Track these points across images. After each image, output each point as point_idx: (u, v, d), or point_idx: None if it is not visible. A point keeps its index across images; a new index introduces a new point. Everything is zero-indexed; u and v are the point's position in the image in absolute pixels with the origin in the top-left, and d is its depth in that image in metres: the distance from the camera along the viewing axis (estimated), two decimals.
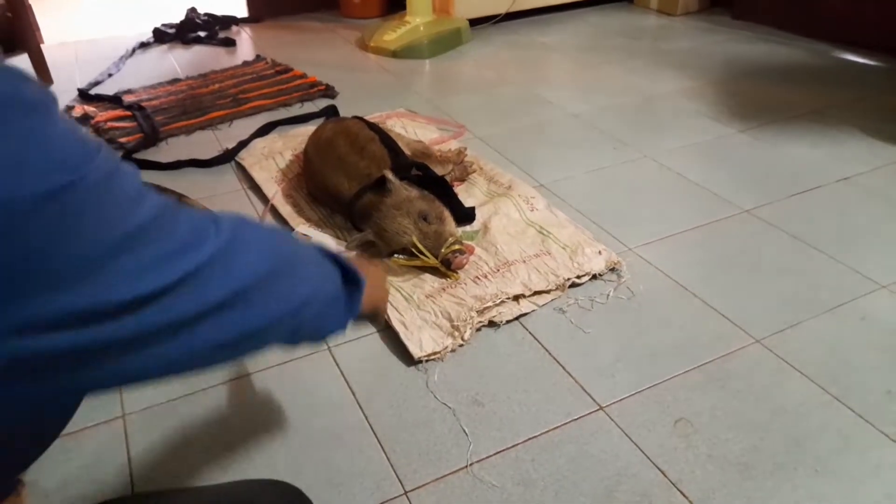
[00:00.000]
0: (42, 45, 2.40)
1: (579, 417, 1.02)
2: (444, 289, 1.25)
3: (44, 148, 0.36)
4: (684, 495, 0.90)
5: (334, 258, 0.66)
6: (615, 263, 1.32)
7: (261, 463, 0.95)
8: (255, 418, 1.03)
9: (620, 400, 1.04)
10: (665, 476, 0.92)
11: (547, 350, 1.14)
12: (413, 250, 1.27)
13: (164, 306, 0.42)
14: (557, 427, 1.00)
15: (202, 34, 2.84)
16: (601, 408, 1.03)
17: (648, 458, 0.95)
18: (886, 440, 0.97)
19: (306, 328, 0.59)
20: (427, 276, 1.29)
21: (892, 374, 1.08)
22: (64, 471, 0.95)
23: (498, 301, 1.21)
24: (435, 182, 1.44)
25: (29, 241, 0.35)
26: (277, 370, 1.12)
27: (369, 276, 0.71)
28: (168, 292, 0.41)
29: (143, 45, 2.75)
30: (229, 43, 2.76)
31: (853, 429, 0.99)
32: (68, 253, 0.37)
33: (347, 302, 0.65)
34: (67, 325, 0.38)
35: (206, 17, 2.99)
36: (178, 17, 2.97)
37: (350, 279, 0.66)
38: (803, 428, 0.99)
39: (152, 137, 1.89)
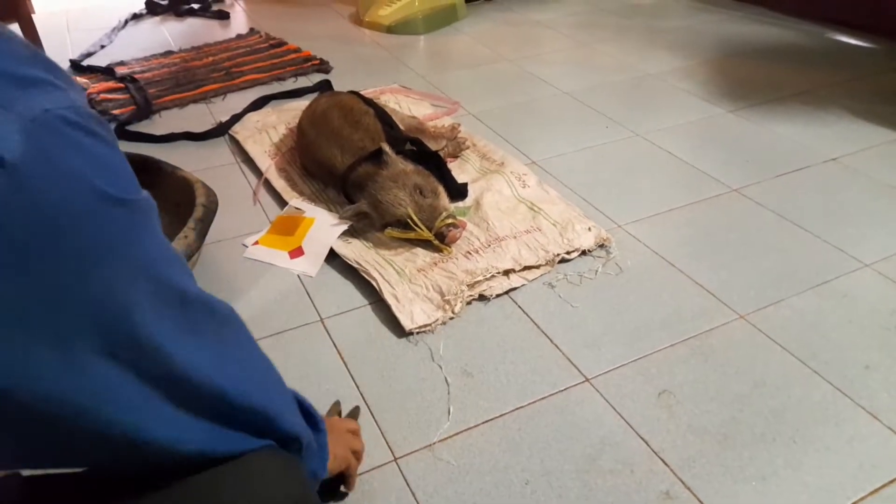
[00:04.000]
0: (33, 15, 2.37)
1: (565, 388, 1.04)
2: (435, 263, 1.27)
3: (121, 164, 0.44)
4: (665, 463, 0.93)
5: (301, 403, 0.70)
6: (604, 240, 1.34)
7: None
8: None
9: (606, 372, 1.07)
10: (647, 445, 0.95)
11: (535, 323, 1.16)
12: (408, 222, 1.29)
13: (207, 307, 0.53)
14: (544, 398, 1.03)
15: (195, 6, 2.82)
16: (587, 379, 1.06)
17: (632, 427, 0.98)
18: (863, 412, 1.00)
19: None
20: (419, 251, 1.31)
21: (872, 349, 1.11)
22: None
23: (488, 275, 1.23)
24: (429, 157, 1.45)
25: (114, 228, 0.43)
26: (271, 340, 1.14)
27: (332, 430, 0.77)
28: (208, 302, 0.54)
29: (136, 17, 2.72)
30: (223, 16, 2.74)
31: (831, 402, 1.02)
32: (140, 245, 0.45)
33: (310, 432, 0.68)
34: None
35: None
36: None
37: (311, 423, 0.69)
38: (782, 400, 1.02)
39: (145, 110, 1.89)
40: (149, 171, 1.44)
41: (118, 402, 0.45)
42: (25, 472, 0.59)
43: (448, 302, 1.18)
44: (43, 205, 0.39)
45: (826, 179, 1.58)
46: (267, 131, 1.76)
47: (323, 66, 2.20)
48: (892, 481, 0.91)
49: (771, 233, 1.39)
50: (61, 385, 0.42)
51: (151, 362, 0.46)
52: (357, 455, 0.85)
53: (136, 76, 2.09)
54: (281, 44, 2.39)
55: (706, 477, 0.91)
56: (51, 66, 0.43)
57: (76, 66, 2.19)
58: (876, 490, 0.89)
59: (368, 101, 1.57)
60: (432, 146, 1.53)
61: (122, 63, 2.23)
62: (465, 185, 1.49)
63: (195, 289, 0.51)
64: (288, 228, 1.39)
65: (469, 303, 1.20)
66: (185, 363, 0.48)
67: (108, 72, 2.13)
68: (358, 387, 1.05)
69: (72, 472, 0.59)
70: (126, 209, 0.44)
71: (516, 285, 1.24)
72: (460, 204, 1.46)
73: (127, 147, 1.72)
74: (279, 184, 1.55)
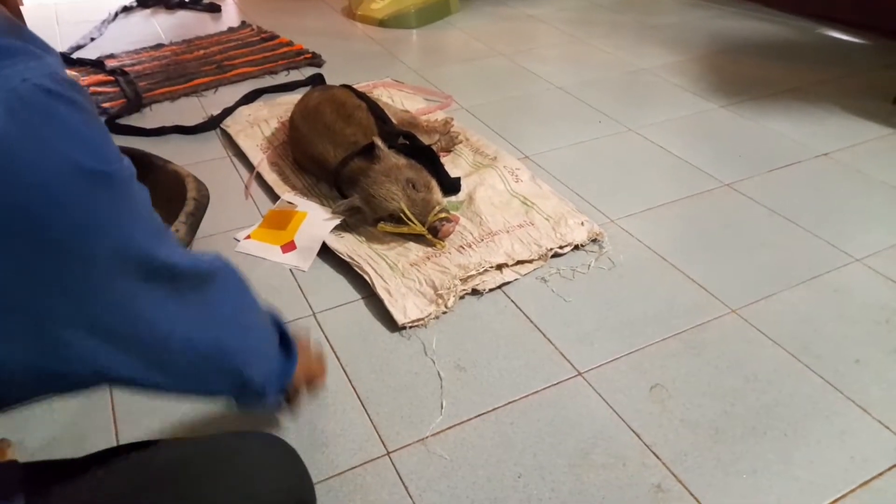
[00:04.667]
0: (22, 7, 2.35)
1: (558, 383, 1.04)
2: (428, 257, 1.27)
3: (99, 132, 0.44)
4: (657, 457, 0.93)
5: (278, 323, 0.71)
6: (597, 234, 1.34)
7: (246, 423, 0.97)
8: None
9: (599, 366, 1.07)
10: (640, 439, 0.96)
11: (528, 318, 1.16)
12: (401, 216, 1.28)
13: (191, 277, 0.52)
14: (537, 392, 1.03)
15: None
16: (580, 374, 1.06)
17: (624, 421, 0.98)
18: (853, 406, 1.01)
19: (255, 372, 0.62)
20: (412, 245, 1.30)
21: (862, 344, 1.12)
22: (49, 430, 0.96)
23: (481, 270, 1.23)
24: (422, 151, 1.44)
25: (94, 209, 0.43)
26: None
27: (303, 351, 0.78)
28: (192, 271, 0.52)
29: (126, 10, 2.70)
30: (214, 8, 2.72)
31: (822, 395, 1.02)
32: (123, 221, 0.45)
33: (283, 363, 0.70)
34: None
35: None
36: None
37: (285, 344, 0.71)
38: (774, 394, 1.02)
39: (136, 103, 1.87)
40: (139, 165, 1.42)
41: (94, 363, 0.47)
42: (23, 460, 0.59)
43: (441, 296, 1.17)
44: (22, 186, 0.39)
45: (818, 175, 1.58)
46: (259, 125, 1.75)
47: (315, 60, 2.19)
48: (881, 474, 0.91)
49: (763, 228, 1.40)
50: (37, 361, 0.44)
51: (131, 329, 0.47)
52: (312, 381, 0.84)
53: (127, 69, 2.07)
54: (273, 37, 2.37)
55: (698, 470, 0.91)
56: (24, 33, 0.43)
57: (66, 59, 2.17)
58: (866, 482, 0.90)
59: (361, 96, 1.56)
60: (425, 140, 1.52)
61: (112, 56, 2.21)
62: (458, 179, 1.49)
63: (180, 257, 0.50)
64: (280, 223, 1.38)
65: (462, 297, 1.20)
66: (167, 331, 0.50)
67: (97, 65, 2.12)
68: (350, 381, 1.05)
69: (70, 459, 0.59)
70: (105, 183, 0.43)
71: (509, 280, 1.24)
72: (453, 198, 1.45)
73: (117, 141, 1.69)
74: (271, 178, 1.54)
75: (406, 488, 0.89)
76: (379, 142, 1.37)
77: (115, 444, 0.94)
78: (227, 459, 0.57)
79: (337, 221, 1.35)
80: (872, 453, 0.94)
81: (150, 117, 1.85)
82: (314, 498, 0.64)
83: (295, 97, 1.73)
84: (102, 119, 1.78)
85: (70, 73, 1.97)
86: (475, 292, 1.21)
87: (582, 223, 1.35)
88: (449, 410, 1.00)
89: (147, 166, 1.42)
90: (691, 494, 0.88)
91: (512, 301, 1.20)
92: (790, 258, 1.31)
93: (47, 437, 0.95)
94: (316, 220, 1.36)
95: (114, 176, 0.44)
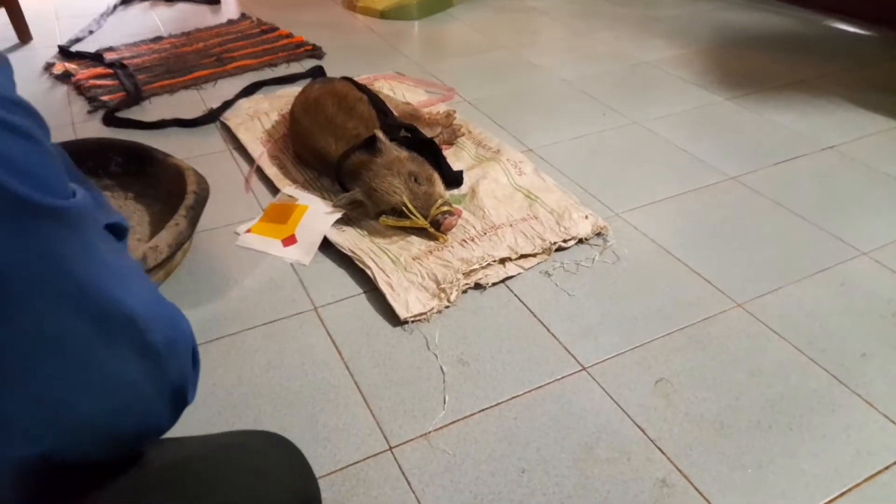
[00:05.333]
0: (20, 0, 2.33)
1: (562, 377, 1.03)
2: (430, 251, 1.26)
3: (47, 162, 0.39)
4: (662, 451, 0.92)
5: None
6: (601, 228, 1.33)
7: (248, 419, 0.97)
8: (242, 376, 1.04)
9: (603, 361, 1.06)
10: (644, 433, 0.95)
11: (532, 312, 1.16)
12: (404, 209, 1.27)
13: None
14: (541, 386, 1.02)
15: None
16: (584, 368, 1.05)
17: (629, 416, 0.97)
18: (859, 400, 1.00)
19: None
20: (414, 239, 1.29)
21: (868, 338, 1.11)
22: None
23: (484, 264, 1.22)
24: (424, 144, 1.43)
25: (40, 241, 0.38)
26: (265, 329, 1.12)
27: None
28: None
29: (125, 2, 2.68)
30: (213, 1, 2.70)
31: (827, 390, 1.02)
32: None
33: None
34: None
35: None
36: None
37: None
38: (779, 388, 1.02)
39: (135, 96, 1.86)
40: (139, 159, 1.42)
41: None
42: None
43: (443, 290, 1.17)
44: None
45: (823, 168, 1.57)
46: (259, 118, 1.74)
47: (315, 52, 2.18)
48: (887, 468, 0.91)
49: (768, 221, 1.39)
50: None
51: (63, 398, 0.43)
52: None
53: (126, 62, 2.06)
54: (273, 29, 2.36)
55: (703, 465, 0.90)
56: None
57: (64, 51, 2.16)
58: (871, 476, 0.89)
59: (362, 88, 1.55)
60: (427, 133, 1.51)
61: (111, 49, 2.19)
62: (461, 172, 1.48)
63: (143, 305, 0.45)
64: (281, 216, 1.37)
65: (465, 291, 1.19)
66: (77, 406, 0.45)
67: (96, 58, 2.10)
68: (352, 376, 1.04)
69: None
70: (53, 220, 0.38)
71: (512, 274, 1.23)
72: (456, 192, 1.44)
73: (117, 134, 1.70)
74: (271, 171, 1.53)
75: (409, 483, 0.88)
76: (381, 135, 1.36)
77: None
78: (233, 459, 0.56)
79: (338, 215, 1.34)
80: (878, 447, 0.93)
81: (149, 110, 1.84)
82: (320, 498, 0.64)
83: (295, 90, 1.72)
84: (102, 112, 1.77)
85: (69, 66, 1.95)
86: (478, 286, 1.20)
87: (586, 217, 1.34)
88: (452, 405, 0.99)
89: (147, 160, 1.41)
90: (696, 489, 0.88)
91: (515, 295, 1.19)
92: (796, 252, 1.30)
93: None
94: (317, 214, 1.35)
95: (64, 212, 0.39)
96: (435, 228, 1.27)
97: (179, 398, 0.51)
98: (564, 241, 1.29)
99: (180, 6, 2.68)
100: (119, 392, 0.45)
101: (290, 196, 1.42)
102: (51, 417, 0.42)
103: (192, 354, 0.53)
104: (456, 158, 1.57)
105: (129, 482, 0.51)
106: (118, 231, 0.50)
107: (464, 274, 1.20)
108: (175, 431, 0.55)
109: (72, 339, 0.41)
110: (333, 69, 2.03)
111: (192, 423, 0.94)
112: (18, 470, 0.43)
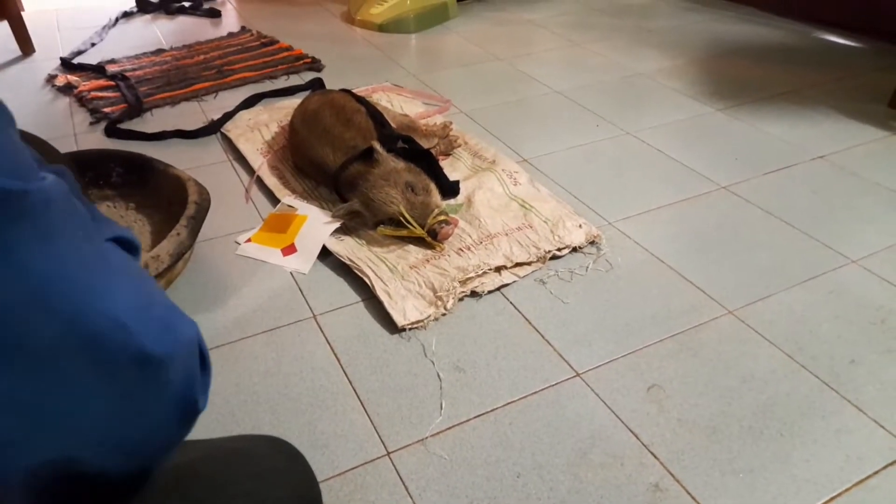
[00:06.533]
0: (23, 13, 2.36)
1: (556, 383, 1.05)
2: (427, 260, 1.28)
3: (6, 151, 0.35)
4: (655, 456, 0.94)
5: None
6: (595, 237, 1.35)
7: (247, 426, 0.98)
8: (241, 383, 1.05)
9: (596, 367, 1.08)
10: (637, 439, 0.96)
11: (527, 319, 1.17)
12: (401, 219, 1.29)
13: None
14: (535, 392, 1.04)
15: (186, 4, 2.81)
16: (578, 374, 1.07)
17: (622, 421, 0.99)
18: (849, 406, 1.02)
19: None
20: (411, 248, 1.31)
21: (858, 344, 1.13)
22: None
23: (480, 272, 1.24)
24: (420, 155, 1.45)
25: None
26: (264, 337, 1.14)
27: None
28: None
29: (127, 15, 2.71)
30: (214, 14, 2.73)
31: (818, 395, 1.03)
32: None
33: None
34: None
35: None
36: None
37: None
38: (770, 394, 1.03)
39: (137, 108, 1.88)
40: (140, 169, 1.44)
41: None
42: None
43: (440, 298, 1.18)
44: None
45: (814, 177, 1.59)
46: (259, 129, 1.76)
47: (315, 65, 2.20)
48: (877, 472, 0.92)
49: (759, 230, 1.41)
50: None
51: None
52: None
53: (128, 74, 2.08)
54: (272, 42, 2.39)
55: (695, 470, 0.92)
56: None
57: (66, 63, 2.18)
58: (861, 481, 0.91)
59: (360, 100, 1.57)
60: (424, 144, 1.53)
61: (112, 61, 2.22)
62: (457, 182, 1.50)
63: (126, 310, 0.40)
64: (280, 226, 1.39)
65: (461, 299, 1.21)
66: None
67: (98, 70, 2.13)
68: (351, 382, 1.05)
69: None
70: (12, 209, 0.34)
71: (508, 282, 1.25)
72: (452, 201, 1.47)
73: (118, 145, 1.72)
74: (271, 181, 1.55)
75: (406, 488, 0.90)
76: (377, 146, 1.38)
77: None
78: (237, 462, 0.57)
79: (337, 225, 1.36)
80: (868, 452, 0.95)
81: (150, 122, 1.86)
82: (321, 502, 0.65)
83: (295, 101, 1.75)
84: (104, 124, 1.79)
85: (71, 78, 1.97)
86: (474, 294, 1.22)
87: (580, 226, 1.36)
88: (448, 411, 1.00)
89: (148, 171, 1.43)
90: (689, 493, 0.89)
91: (510, 303, 1.21)
92: (786, 260, 1.32)
93: None
94: (316, 224, 1.37)
95: (27, 197, 0.34)
96: (432, 238, 1.29)
97: (188, 406, 0.47)
98: (559, 249, 1.31)
99: (181, 19, 2.71)
100: (107, 408, 0.41)
101: (290, 206, 1.44)
102: (41, 429, 0.39)
103: (200, 359, 0.49)
104: (452, 169, 1.59)
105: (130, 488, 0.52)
106: (126, 245, 0.47)
107: (460, 282, 1.22)
108: None
109: (39, 348, 0.36)
110: (332, 81, 2.06)
111: (193, 433, 0.96)
112: (27, 483, 0.40)
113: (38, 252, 0.35)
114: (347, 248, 1.32)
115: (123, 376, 0.40)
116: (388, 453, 0.94)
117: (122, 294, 0.40)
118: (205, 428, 0.96)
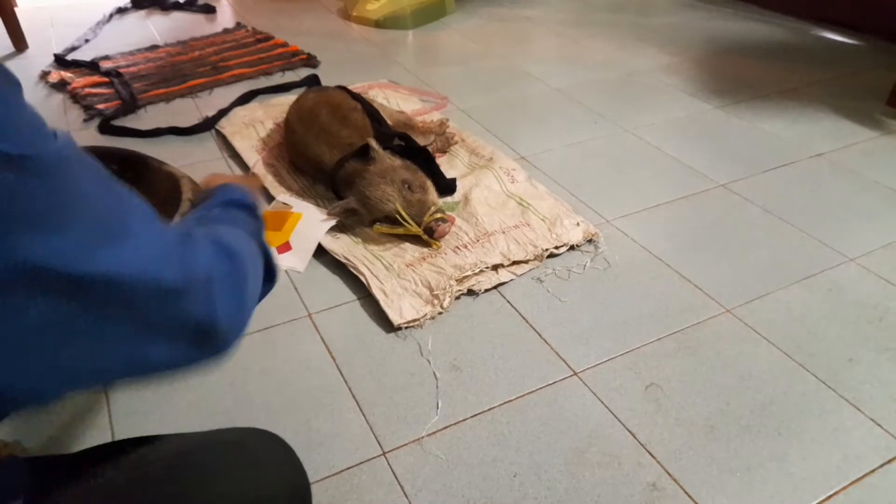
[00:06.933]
0: (16, 9, 2.34)
1: (554, 382, 1.05)
2: (424, 258, 1.27)
3: (16, 115, 0.37)
4: (652, 455, 0.93)
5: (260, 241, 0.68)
6: (592, 235, 1.35)
7: (241, 424, 0.97)
8: (236, 381, 1.04)
9: (594, 366, 1.07)
10: (635, 437, 0.96)
11: (524, 318, 1.17)
12: (397, 217, 1.29)
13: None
14: (532, 391, 1.03)
15: (181, 0, 2.79)
16: (575, 373, 1.06)
17: (619, 420, 0.99)
18: (846, 404, 1.01)
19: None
20: (408, 246, 1.31)
21: (856, 343, 1.12)
22: (47, 430, 0.96)
23: (477, 270, 1.23)
24: (417, 152, 1.45)
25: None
26: (260, 335, 1.13)
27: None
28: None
29: (121, 11, 2.70)
30: (209, 10, 2.72)
31: (815, 394, 1.03)
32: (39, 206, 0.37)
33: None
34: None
35: None
36: None
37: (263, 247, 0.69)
38: (768, 393, 1.03)
39: (131, 104, 1.87)
40: (134, 166, 1.43)
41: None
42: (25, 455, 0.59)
43: (437, 297, 1.18)
44: None
45: (812, 175, 1.59)
46: (254, 126, 1.75)
47: (310, 61, 2.19)
48: (874, 471, 0.92)
49: (757, 228, 1.40)
50: None
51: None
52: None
53: (122, 71, 2.07)
54: (268, 38, 2.37)
55: (692, 468, 0.92)
56: None
57: (60, 60, 2.17)
58: (859, 479, 0.91)
59: (356, 97, 1.57)
60: (421, 141, 1.53)
61: (106, 58, 2.21)
62: (454, 180, 1.49)
63: (135, 263, 0.43)
64: (276, 224, 1.38)
65: (458, 298, 1.20)
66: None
67: (92, 66, 2.11)
68: (346, 382, 1.05)
69: (69, 454, 0.59)
70: (28, 174, 0.35)
71: (505, 280, 1.24)
72: (449, 199, 1.46)
73: (112, 142, 1.71)
74: (267, 179, 1.54)
75: (402, 488, 0.89)
76: (374, 143, 1.37)
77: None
78: (229, 453, 0.58)
79: (333, 223, 1.35)
80: (865, 450, 0.95)
81: (145, 118, 1.85)
82: (310, 495, 0.65)
83: (290, 98, 1.74)
84: (97, 121, 1.78)
85: (64, 74, 1.95)
86: (471, 293, 1.22)
87: (577, 223, 1.36)
88: (444, 410, 1.00)
89: (142, 168, 1.41)
90: (686, 492, 0.89)
91: (507, 301, 1.20)
92: (784, 258, 1.31)
93: (45, 438, 0.95)
94: (312, 222, 1.36)
95: (41, 161, 0.36)
96: (428, 235, 1.28)
97: (205, 330, 0.50)
98: (556, 247, 1.31)
99: (176, 15, 2.70)
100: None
101: (285, 203, 1.43)
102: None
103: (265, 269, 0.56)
104: (449, 166, 1.58)
105: (126, 476, 0.52)
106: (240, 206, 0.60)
107: (457, 280, 1.21)
108: (171, 432, 0.56)
109: (49, 315, 0.38)
110: (329, 78, 2.05)
111: (186, 429, 0.95)
112: None
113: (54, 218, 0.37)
114: (343, 246, 1.31)
115: (145, 308, 0.43)
116: (384, 453, 0.94)
117: (136, 249, 0.43)
118: (200, 426, 0.95)
